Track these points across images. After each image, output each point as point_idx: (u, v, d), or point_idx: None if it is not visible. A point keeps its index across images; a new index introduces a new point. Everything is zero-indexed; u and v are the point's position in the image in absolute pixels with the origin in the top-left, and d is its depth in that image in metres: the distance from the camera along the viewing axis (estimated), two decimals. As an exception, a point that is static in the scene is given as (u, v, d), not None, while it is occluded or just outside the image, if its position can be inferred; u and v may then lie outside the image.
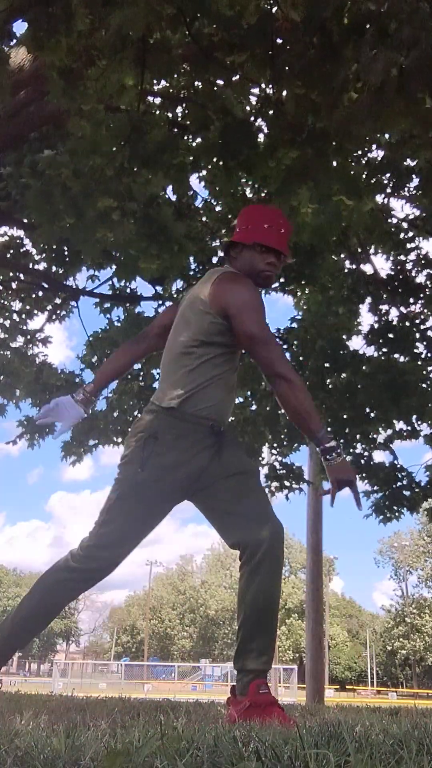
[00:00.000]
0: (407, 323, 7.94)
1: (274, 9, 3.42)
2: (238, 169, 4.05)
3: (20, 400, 8.31)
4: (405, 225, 7.96)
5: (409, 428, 8.03)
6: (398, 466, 8.10)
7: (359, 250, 8.18)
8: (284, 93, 3.62)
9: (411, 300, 7.93)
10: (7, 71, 3.43)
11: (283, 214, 2.39)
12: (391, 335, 7.80)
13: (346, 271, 8.31)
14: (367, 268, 8.55)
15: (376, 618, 57.29)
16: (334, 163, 4.04)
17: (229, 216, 7.01)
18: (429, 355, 7.97)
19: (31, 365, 8.29)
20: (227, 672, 36.60)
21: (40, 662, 60.28)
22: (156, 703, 2.97)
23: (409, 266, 7.98)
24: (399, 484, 7.88)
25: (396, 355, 7.95)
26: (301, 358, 8.07)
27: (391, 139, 4.86)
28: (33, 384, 8.14)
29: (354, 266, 8.38)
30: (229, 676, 35.90)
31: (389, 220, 7.93)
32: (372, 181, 5.17)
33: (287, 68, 3.32)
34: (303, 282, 7.66)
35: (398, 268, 7.96)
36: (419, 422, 7.88)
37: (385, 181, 7.33)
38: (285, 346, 8.27)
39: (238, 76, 3.94)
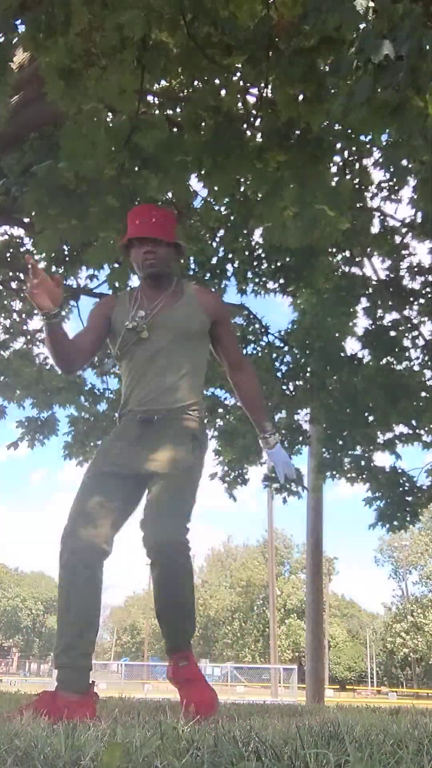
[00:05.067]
0: (401, 328, 7.96)
1: (271, 11, 3.43)
2: (227, 168, 4.04)
3: (20, 400, 8.30)
4: (403, 229, 7.97)
5: (409, 431, 8.01)
6: (399, 470, 8.07)
7: (358, 252, 8.19)
8: (275, 93, 3.62)
9: (405, 306, 7.94)
10: (11, 69, 3.42)
11: (153, 206, 2.69)
12: (384, 339, 7.81)
13: (340, 272, 8.32)
14: (366, 271, 8.58)
15: (376, 618, 57.28)
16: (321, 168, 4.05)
17: (231, 217, 7.02)
18: (425, 359, 7.98)
19: (32, 365, 8.28)
20: (228, 672, 36.60)
21: (40, 662, 60.23)
22: (156, 703, 2.97)
23: (403, 272, 8.01)
24: (401, 489, 7.82)
25: (391, 360, 7.95)
26: (302, 360, 8.07)
27: (389, 138, 4.86)
28: (34, 384, 8.14)
29: (348, 268, 8.39)
30: (229, 675, 35.90)
31: (385, 224, 7.96)
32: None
33: (282, 68, 3.33)
34: (301, 284, 7.67)
35: (392, 274, 7.99)
36: (417, 428, 7.86)
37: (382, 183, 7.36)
38: (285, 348, 8.27)
39: (234, 77, 3.94)
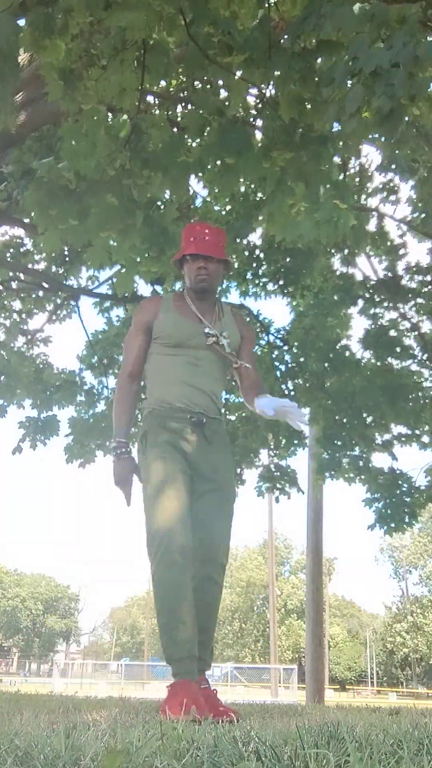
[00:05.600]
0: (401, 328, 7.98)
1: (271, 11, 3.43)
2: (234, 169, 4.06)
3: (20, 400, 8.28)
4: (403, 227, 7.99)
5: (408, 432, 8.01)
6: (398, 471, 8.07)
7: (353, 252, 8.21)
8: (279, 93, 3.62)
9: (402, 303, 7.96)
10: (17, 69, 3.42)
11: (208, 224, 2.82)
12: (380, 340, 7.82)
13: (337, 273, 8.35)
14: (365, 271, 8.59)
15: (375, 618, 57.27)
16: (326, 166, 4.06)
17: (229, 216, 7.02)
18: (424, 357, 7.99)
19: (31, 365, 8.27)
20: (228, 672, 36.60)
21: (40, 662, 60.24)
22: (156, 703, 2.97)
23: (401, 272, 8.03)
24: (399, 490, 7.81)
25: (391, 360, 7.96)
26: (302, 360, 8.07)
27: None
28: (33, 384, 8.12)
29: (345, 269, 8.42)
30: (229, 675, 35.90)
31: (382, 223, 7.98)
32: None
33: (283, 67, 3.33)
34: (299, 285, 7.69)
35: (390, 273, 8.01)
36: (415, 428, 7.87)
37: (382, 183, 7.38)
38: (285, 348, 8.28)
39: (235, 77, 3.94)
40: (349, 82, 2.68)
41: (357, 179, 7.23)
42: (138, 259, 5.37)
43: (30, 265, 7.95)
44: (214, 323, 2.55)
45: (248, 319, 8.35)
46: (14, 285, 8.35)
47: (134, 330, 2.62)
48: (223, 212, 7.10)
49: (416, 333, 8.05)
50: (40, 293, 8.41)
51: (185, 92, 5.63)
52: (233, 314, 2.69)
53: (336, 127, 3.98)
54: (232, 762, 1.07)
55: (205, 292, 2.58)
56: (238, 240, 7.39)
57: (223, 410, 2.61)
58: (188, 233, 2.63)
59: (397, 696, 37.18)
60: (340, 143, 4.03)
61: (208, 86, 4.61)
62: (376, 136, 3.25)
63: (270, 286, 8.01)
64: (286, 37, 3.38)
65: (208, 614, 2.35)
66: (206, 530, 2.34)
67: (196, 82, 5.10)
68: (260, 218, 5.61)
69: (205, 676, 2.31)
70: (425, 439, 8.08)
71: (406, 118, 2.83)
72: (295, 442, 8.39)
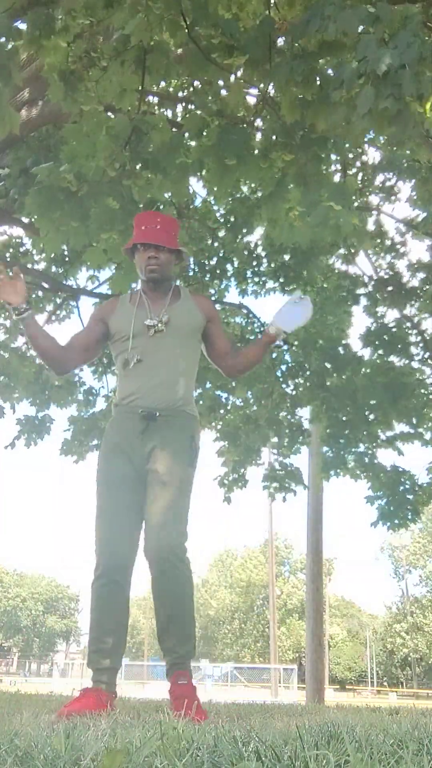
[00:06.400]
0: (404, 326, 7.98)
1: (272, 12, 3.43)
2: (233, 170, 4.06)
3: (18, 400, 8.27)
4: (402, 227, 8.00)
5: (411, 431, 8.03)
6: (400, 469, 8.09)
7: (351, 251, 8.21)
8: (280, 94, 3.62)
9: (406, 303, 7.97)
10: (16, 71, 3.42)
11: (159, 213, 2.79)
12: (386, 337, 7.82)
13: (337, 272, 8.35)
14: (366, 270, 8.60)
15: (375, 618, 57.25)
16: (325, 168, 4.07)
17: (230, 217, 7.02)
18: (425, 356, 8.00)
19: (31, 365, 8.27)
20: (228, 672, 36.60)
21: (40, 662, 60.21)
22: (156, 703, 2.97)
23: (403, 269, 8.04)
24: (402, 488, 7.84)
25: (393, 358, 7.98)
26: (301, 359, 8.07)
27: (387, 140, 4.87)
28: (33, 384, 8.12)
29: (346, 267, 8.43)
30: (229, 675, 35.91)
31: (381, 221, 7.99)
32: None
33: (285, 69, 3.33)
34: (300, 283, 7.69)
35: (392, 272, 8.02)
36: (416, 427, 7.89)
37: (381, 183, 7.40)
38: (285, 347, 8.29)
39: (234, 78, 3.94)
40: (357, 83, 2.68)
41: (360, 176, 7.24)
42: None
43: (30, 265, 7.95)
44: (165, 309, 2.50)
45: (246, 316, 8.35)
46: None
47: (90, 320, 2.65)
48: (223, 212, 7.10)
49: (417, 331, 8.06)
50: (40, 293, 8.41)
51: (185, 92, 5.63)
52: (192, 296, 2.65)
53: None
54: (232, 762, 1.07)
55: (156, 282, 2.55)
56: (238, 239, 7.39)
57: (189, 397, 2.51)
58: (139, 222, 2.58)
59: (398, 696, 37.16)
60: (347, 144, 4.04)
61: (208, 86, 4.61)
62: (375, 136, 3.25)
63: (270, 284, 8.02)
64: (288, 38, 3.39)
65: (172, 601, 2.27)
66: (150, 521, 2.31)
67: (196, 83, 5.10)
68: (260, 217, 5.61)
69: (186, 671, 2.25)
70: (427, 436, 8.09)
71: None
72: (299, 440, 8.39)
